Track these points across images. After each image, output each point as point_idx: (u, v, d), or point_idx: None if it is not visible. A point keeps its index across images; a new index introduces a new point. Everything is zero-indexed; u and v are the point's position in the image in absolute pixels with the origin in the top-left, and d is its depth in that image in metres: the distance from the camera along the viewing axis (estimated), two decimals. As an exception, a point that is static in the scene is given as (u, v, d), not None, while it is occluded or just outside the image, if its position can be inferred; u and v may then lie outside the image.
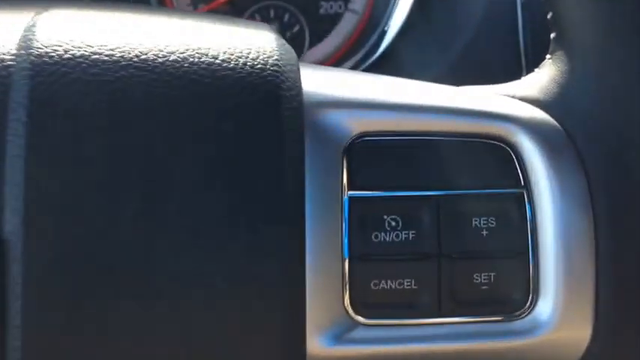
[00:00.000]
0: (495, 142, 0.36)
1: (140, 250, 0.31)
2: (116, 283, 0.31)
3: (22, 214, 0.30)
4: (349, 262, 0.34)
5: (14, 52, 0.32)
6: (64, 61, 0.32)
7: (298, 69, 0.35)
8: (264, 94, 0.33)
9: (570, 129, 0.37)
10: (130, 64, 0.32)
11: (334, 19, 0.76)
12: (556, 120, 0.37)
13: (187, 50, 0.33)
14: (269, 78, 0.33)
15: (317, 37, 0.75)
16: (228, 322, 0.32)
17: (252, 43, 0.35)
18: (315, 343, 0.34)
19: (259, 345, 0.32)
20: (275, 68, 0.34)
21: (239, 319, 0.32)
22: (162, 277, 0.31)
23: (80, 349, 0.31)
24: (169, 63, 0.33)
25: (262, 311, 0.32)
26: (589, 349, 0.36)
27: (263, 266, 0.32)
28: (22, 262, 0.30)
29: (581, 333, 0.36)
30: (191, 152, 0.32)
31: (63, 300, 0.30)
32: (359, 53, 0.74)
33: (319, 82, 0.36)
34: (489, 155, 0.36)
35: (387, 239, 0.34)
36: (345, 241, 0.34)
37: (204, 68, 0.33)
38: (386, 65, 0.71)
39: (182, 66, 0.33)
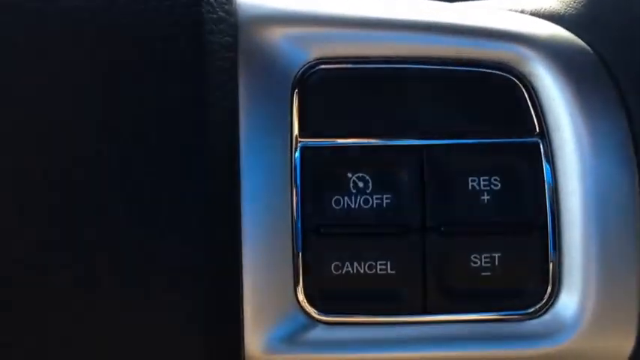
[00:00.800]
0: (500, 72, 0.33)
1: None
2: None
3: None
4: (303, 238, 0.31)
5: None
6: None
7: None
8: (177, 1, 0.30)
9: (605, 53, 0.34)
10: None
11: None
12: (584, 41, 0.34)
13: None
14: None
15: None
16: (131, 321, 0.29)
17: None
18: (257, 346, 0.31)
19: (177, 349, 0.30)
20: None
21: (148, 314, 0.29)
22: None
23: None
24: None
25: (180, 305, 0.29)
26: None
27: (182, 244, 0.29)
28: None
29: (620, 338, 0.33)
30: (79, 91, 0.29)
31: None
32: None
33: None
34: (492, 90, 0.33)
35: (353, 206, 0.32)
36: (297, 208, 0.31)
37: None
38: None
39: None
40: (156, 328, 0.30)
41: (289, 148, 0.32)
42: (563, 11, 0.36)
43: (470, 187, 0.32)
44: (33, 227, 0.29)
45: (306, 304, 0.32)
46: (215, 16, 0.31)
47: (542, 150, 0.33)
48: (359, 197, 0.32)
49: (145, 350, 0.30)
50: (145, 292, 0.29)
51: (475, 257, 0.32)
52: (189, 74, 0.30)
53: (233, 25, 0.31)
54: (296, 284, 0.31)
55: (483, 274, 0.32)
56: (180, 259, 0.29)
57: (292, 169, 0.32)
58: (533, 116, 0.33)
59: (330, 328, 0.32)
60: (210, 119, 0.30)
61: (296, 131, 0.32)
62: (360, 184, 0.32)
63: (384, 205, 0.32)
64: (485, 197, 0.32)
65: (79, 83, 0.30)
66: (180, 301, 0.29)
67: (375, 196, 0.32)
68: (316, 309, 0.32)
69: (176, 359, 0.30)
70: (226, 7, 0.31)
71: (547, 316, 0.33)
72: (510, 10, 0.37)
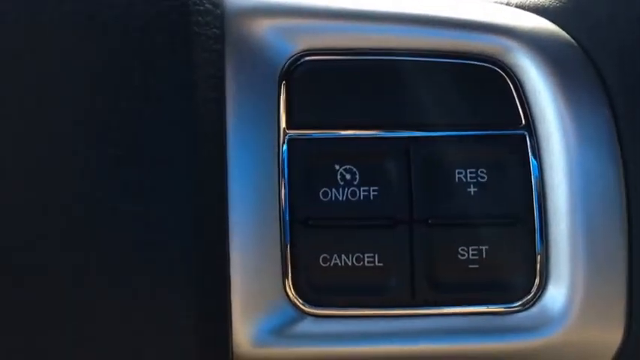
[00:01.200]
0: (485, 64, 0.33)
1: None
2: None
3: None
4: (290, 230, 0.31)
5: None
6: None
7: None
8: None
9: (590, 45, 0.33)
10: None
11: None
12: (569, 33, 0.34)
13: None
14: None
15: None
16: (121, 312, 0.29)
17: None
18: (245, 340, 0.31)
19: (165, 343, 0.29)
20: None
21: (134, 306, 0.29)
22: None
23: None
24: None
25: (168, 298, 0.29)
26: (620, 353, 0.33)
27: (169, 237, 0.29)
28: None
29: (608, 331, 0.32)
30: (66, 86, 0.29)
31: None
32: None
33: None
34: (477, 82, 0.33)
35: (340, 198, 0.32)
36: (285, 200, 0.31)
37: None
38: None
39: None
40: (144, 321, 0.29)
41: (276, 140, 0.31)
42: (547, 3, 0.35)
43: (457, 180, 0.32)
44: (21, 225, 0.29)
45: (295, 296, 0.32)
46: (202, 7, 0.30)
47: (528, 142, 0.32)
48: (346, 189, 0.32)
49: (132, 343, 0.30)
50: (132, 286, 0.29)
51: (462, 250, 0.32)
52: (175, 66, 0.29)
53: (220, 17, 0.31)
54: (284, 276, 0.31)
55: (471, 266, 0.32)
56: (167, 252, 0.29)
57: (280, 161, 0.31)
58: (519, 108, 0.33)
59: (318, 320, 0.32)
60: (197, 112, 0.29)
61: (283, 123, 0.32)
62: (348, 176, 0.32)
63: (372, 197, 0.32)
64: (472, 189, 0.32)
65: (66, 78, 0.29)
66: (168, 294, 0.29)
67: (362, 189, 0.32)
68: (305, 302, 0.32)
69: (165, 352, 0.30)
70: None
71: (535, 309, 0.32)
72: (496, 2, 0.36)
